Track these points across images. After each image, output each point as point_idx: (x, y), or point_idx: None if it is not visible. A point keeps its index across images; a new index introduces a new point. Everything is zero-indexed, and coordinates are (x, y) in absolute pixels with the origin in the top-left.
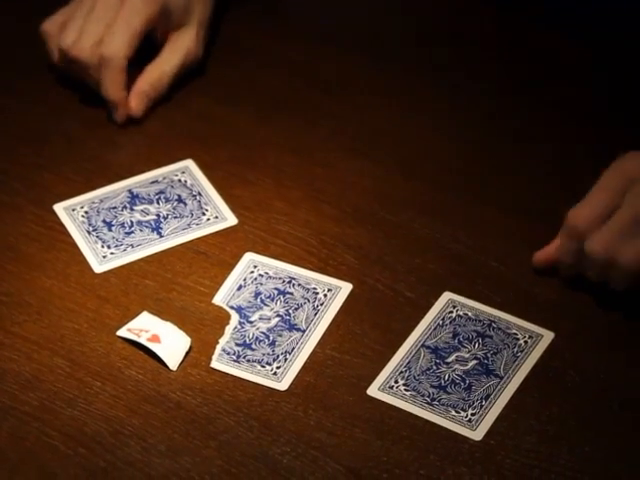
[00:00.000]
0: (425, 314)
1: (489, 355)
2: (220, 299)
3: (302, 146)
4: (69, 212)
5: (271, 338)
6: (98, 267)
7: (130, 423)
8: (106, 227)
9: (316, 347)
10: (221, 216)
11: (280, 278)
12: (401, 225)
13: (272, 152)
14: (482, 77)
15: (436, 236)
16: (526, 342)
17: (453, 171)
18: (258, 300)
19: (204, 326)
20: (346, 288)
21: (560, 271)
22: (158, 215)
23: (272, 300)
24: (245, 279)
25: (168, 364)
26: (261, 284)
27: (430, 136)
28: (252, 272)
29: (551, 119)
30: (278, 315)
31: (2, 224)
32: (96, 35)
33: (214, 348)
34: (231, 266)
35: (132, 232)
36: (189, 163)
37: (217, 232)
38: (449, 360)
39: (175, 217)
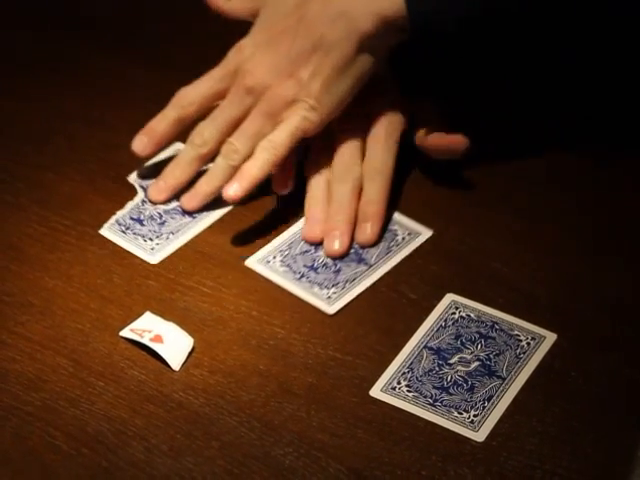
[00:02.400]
0: (428, 315)
1: (492, 356)
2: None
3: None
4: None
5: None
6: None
7: (133, 423)
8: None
9: (318, 347)
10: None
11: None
12: None
13: None
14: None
15: (438, 237)
16: (529, 344)
17: (455, 172)
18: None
19: (207, 326)
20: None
21: None
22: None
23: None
24: None
25: (171, 364)
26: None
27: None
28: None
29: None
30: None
31: (5, 224)
32: None
33: (216, 347)
34: (233, 267)
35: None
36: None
37: (221, 230)
38: (452, 361)
39: None
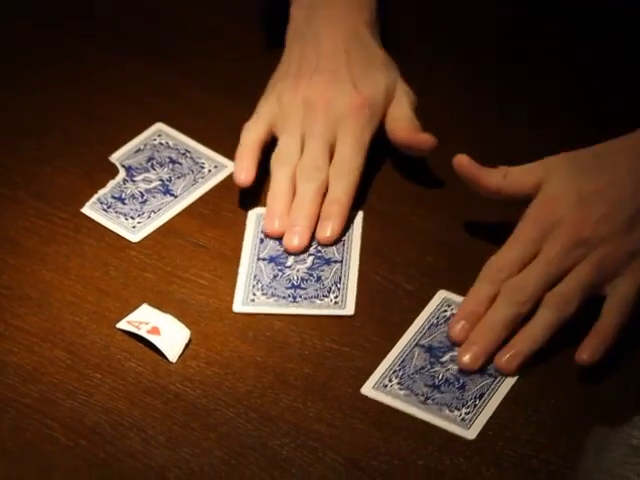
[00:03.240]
0: (424, 306)
1: None
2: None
3: None
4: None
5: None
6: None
7: (130, 415)
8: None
9: (315, 339)
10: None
11: None
12: (399, 217)
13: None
14: (492, 69)
15: (434, 228)
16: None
17: (451, 162)
18: None
19: (203, 318)
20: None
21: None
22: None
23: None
24: None
25: (168, 356)
26: None
27: (427, 127)
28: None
29: (552, 111)
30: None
31: (2, 217)
32: None
33: (213, 339)
34: (230, 259)
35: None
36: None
37: (217, 224)
38: (444, 359)
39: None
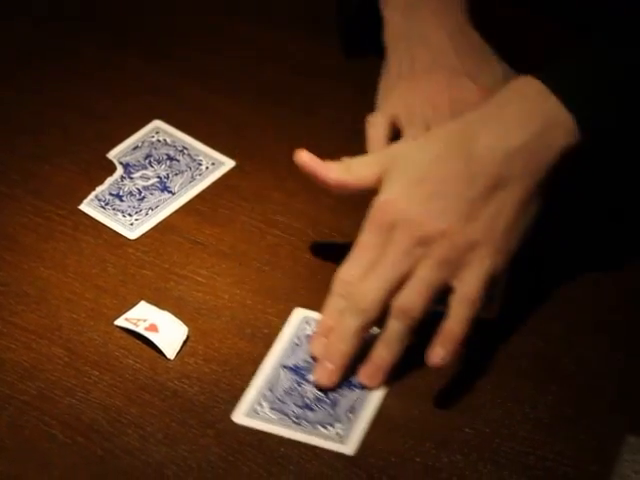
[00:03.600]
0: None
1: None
2: None
3: (299, 136)
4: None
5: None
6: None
7: (128, 412)
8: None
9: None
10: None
11: None
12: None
13: (269, 141)
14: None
15: None
16: None
17: None
18: None
19: (201, 315)
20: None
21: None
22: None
23: None
24: None
25: (166, 353)
26: None
27: None
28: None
29: None
30: None
31: (0, 215)
32: None
33: (211, 336)
34: (227, 256)
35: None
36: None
37: (214, 221)
38: (310, 379)
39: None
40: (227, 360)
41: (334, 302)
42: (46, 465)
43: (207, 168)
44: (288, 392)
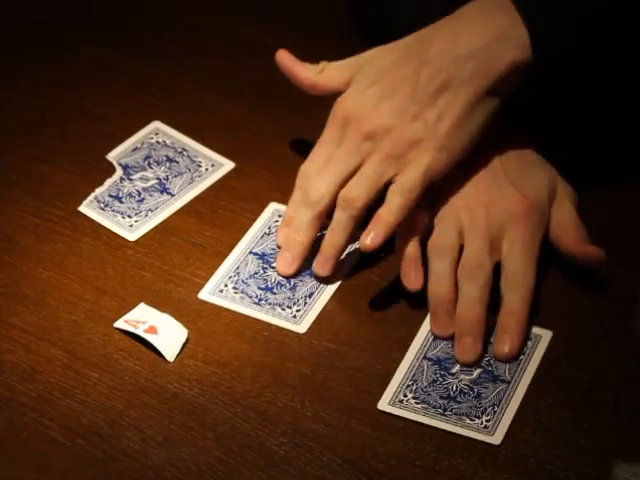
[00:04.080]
0: (421, 306)
1: (492, 361)
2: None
3: (298, 137)
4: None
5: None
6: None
7: (127, 414)
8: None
9: (312, 338)
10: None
11: None
12: None
13: (268, 142)
14: None
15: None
16: (526, 344)
17: None
18: None
19: (201, 317)
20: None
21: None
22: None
23: None
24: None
25: (165, 355)
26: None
27: None
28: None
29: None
30: None
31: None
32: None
33: (210, 338)
34: (226, 257)
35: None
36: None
37: (214, 222)
38: (453, 371)
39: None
40: (227, 362)
41: (295, 195)
42: (45, 468)
43: (207, 169)
44: (432, 384)
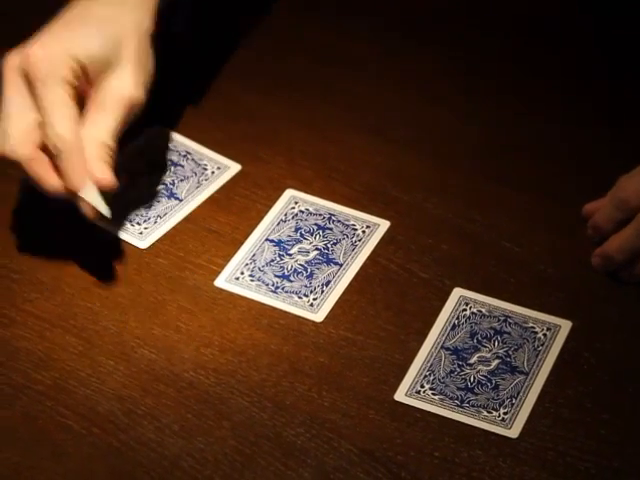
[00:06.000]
0: (438, 295)
1: (510, 352)
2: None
3: (314, 123)
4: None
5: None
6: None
7: (143, 403)
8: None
9: (330, 328)
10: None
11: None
12: (414, 204)
13: (284, 129)
14: (497, 57)
15: (449, 216)
16: (545, 335)
17: (467, 149)
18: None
19: (217, 305)
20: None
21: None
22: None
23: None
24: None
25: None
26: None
27: (445, 114)
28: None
29: (567, 99)
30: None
31: (15, 202)
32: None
33: (227, 326)
34: (242, 244)
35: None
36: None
37: (229, 209)
38: (472, 361)
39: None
40: (243, 351)
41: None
42: (61, 456)
43: (213, 173)
44: (449, 374)
